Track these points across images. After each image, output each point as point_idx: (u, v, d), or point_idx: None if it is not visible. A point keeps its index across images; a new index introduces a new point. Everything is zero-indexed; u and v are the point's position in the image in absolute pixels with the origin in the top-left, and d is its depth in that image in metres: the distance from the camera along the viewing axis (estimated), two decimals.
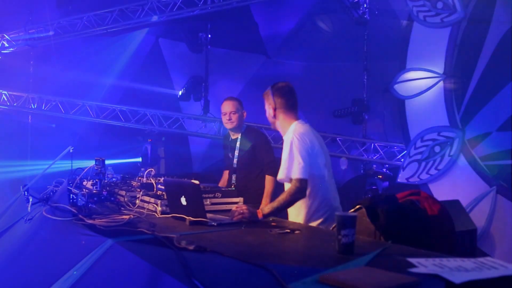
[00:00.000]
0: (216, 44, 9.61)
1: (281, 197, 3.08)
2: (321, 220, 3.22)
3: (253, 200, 3.85)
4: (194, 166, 10.37)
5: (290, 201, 3.08)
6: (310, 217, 3.23)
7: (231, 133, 4.48)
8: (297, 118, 3.33)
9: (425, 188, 6.17)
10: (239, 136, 4.40)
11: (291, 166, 3.07)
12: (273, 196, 4.05)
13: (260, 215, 2.96)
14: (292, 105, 3.32)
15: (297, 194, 3.05)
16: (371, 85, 7.57)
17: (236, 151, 4.39)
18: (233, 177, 4.39)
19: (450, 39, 6.34)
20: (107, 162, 3.42)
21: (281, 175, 3.17)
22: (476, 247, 5.16)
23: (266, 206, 3.16)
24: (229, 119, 4.34)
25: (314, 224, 3.19)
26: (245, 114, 4.43)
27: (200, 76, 9.51)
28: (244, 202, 3.42)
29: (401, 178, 6.57)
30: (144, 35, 9.80)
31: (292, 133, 3.16)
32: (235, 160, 4.38)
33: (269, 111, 3.34)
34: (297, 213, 3.26)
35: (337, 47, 8.58)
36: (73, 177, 3.57)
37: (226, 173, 4.62)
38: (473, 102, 6.25)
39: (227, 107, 4.36)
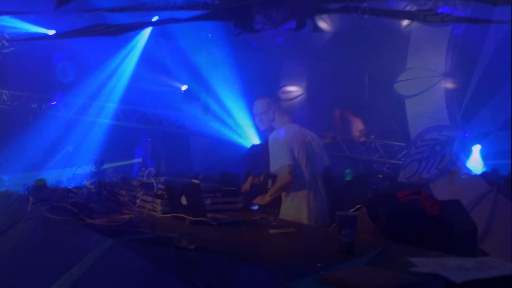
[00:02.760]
0: (216, 44, 9.61)
1: (275, 185, 3.49)
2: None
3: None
4: (194, 165, 10.37)
5: (281, 186, 3.45)
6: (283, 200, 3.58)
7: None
8: (290, 121, 3.67)
9: (426, 188, 6.17)
10: None
11: (275, 157, 3.44)
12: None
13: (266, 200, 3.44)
14: (287, 111, 3.84)
15: (285, 178, 3.41)
16: (371, 85, 7.57)
17: None
18: (270, 181, 3.89)
19: (450, 39, 6.34)
20: (107, 161, 3.42)
21: (272, 167, 3.50)
22: (477, 246, 5.15)
23: (267, 194, 3.51)
24: (260, 121, 3.85)
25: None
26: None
27: (199, 76, 9.52)
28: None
29: (402, 177, 6.56)
30: (144, 35, 9.80)
31: (275, 132, 3.57)
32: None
33: (268, 114, 3.74)
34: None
35: (337, 47, 8.59)
36: (73, 177, 3.57)
37: (250, 178, 4.03)
38: (473, 102, 6.26)
39: (256, 107, 3.88)
